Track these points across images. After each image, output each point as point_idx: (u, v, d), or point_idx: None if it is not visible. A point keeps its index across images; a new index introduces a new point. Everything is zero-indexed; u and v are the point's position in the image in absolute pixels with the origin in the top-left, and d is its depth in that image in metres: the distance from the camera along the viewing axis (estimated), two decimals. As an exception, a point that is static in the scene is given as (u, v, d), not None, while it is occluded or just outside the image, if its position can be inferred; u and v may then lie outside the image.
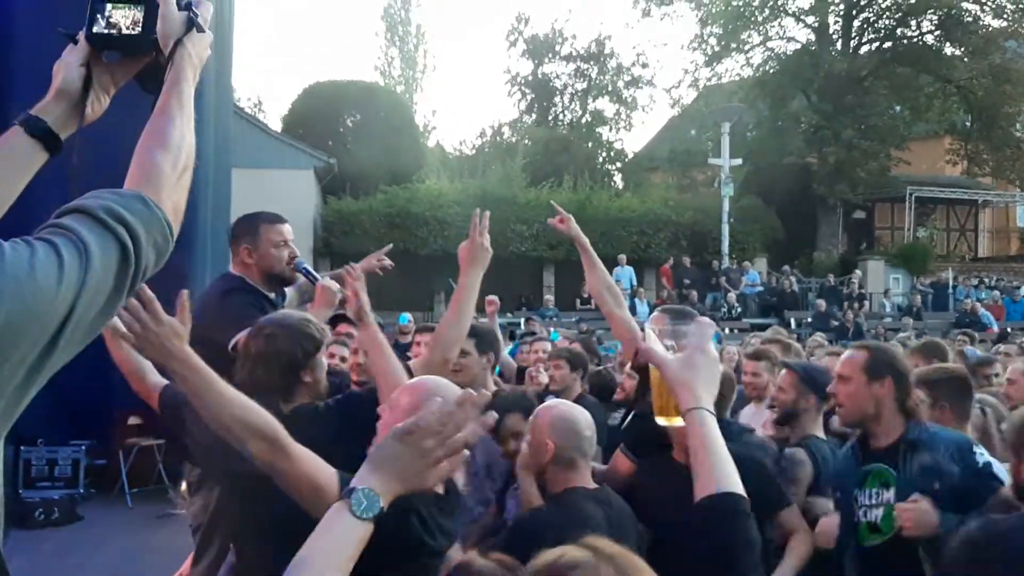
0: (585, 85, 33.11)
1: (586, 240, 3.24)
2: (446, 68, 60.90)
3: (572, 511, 2.33)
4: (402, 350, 5.18)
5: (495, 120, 52.87)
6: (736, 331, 16.82)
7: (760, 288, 20.68)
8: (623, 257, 19.60)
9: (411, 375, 2.43)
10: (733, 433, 3.24)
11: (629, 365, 3.67)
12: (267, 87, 70.82)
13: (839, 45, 25.54)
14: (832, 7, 25.43)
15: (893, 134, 24.35)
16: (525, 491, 2.64)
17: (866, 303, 20.71)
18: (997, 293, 21.01)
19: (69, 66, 1.37)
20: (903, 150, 24.90)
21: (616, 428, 3.58)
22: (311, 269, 3.47)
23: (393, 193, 20.65)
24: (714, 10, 25.67)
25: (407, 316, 9.99)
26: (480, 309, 3.65)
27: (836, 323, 17.78)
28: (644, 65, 32.46)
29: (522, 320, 15.50)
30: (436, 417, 1.29)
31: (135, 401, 2.71)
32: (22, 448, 7.28)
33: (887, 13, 25.36)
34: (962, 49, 24.47)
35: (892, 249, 25.10)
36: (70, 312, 1.01)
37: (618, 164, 32.49)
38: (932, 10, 24.09)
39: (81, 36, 1.38)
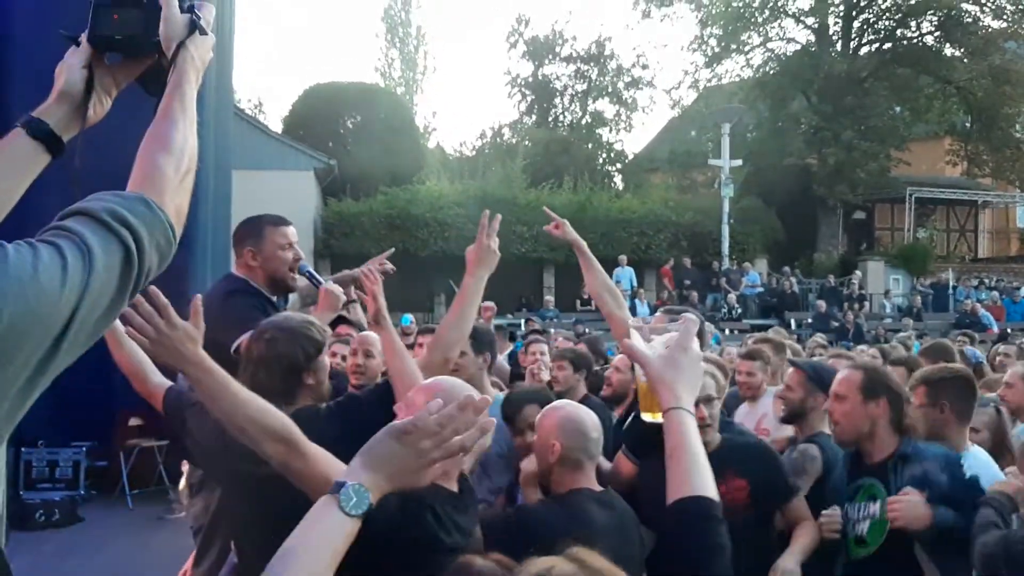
0: (585, 86, 33.13)
1: (583, 243, 3.25)
2: (446, 69, 61.00)
3: (576, 512, 2.33)
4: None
5: (495, 121, 52.87)
6: (736, 332, 16.82)
7: (760, 289, 20.69)
8: (623, 258, 19.61)
9: None
10: (734, 432, 3.25)
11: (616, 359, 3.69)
12: (267, 88, 70.94)
13: (839, 46, 25.55)
14: (832, 8, 25.45)
15: (893, 135, 24.36)
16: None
17: (866, 304, 20.72)
18: (997, 294, 21.01)
19: (71, 68, 1.37)
20: (903, 151, 24.91)
21: (616, 427, 3.58)
22: (315, 272, 3.46)
23: (393, 194, 20.65)
24: (714, 11, 25.68)
25: (409, 317, 10.00)
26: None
27: (836, 324, 17.79)
28: (644, 66, 32.56)
29: (522, 321, 15.49)
30: (435, 419, 1.29)
31: (136, 402, 2.71)
32: (23, 450, 7.28)
33: (887, 14, 25.38)
34: (962, 50, 24.48)
35: (892, 250, 25.10)
36: (73, 314, 1.01)
37: (618, 165, 32.51)
38: (932, 11, 24.11)
39: (83, 38, 1.38)
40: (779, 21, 26.05)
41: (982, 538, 2.42)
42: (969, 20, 24.33)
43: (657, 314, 3.26)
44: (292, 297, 3.56)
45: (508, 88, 33.59)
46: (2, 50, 6.35)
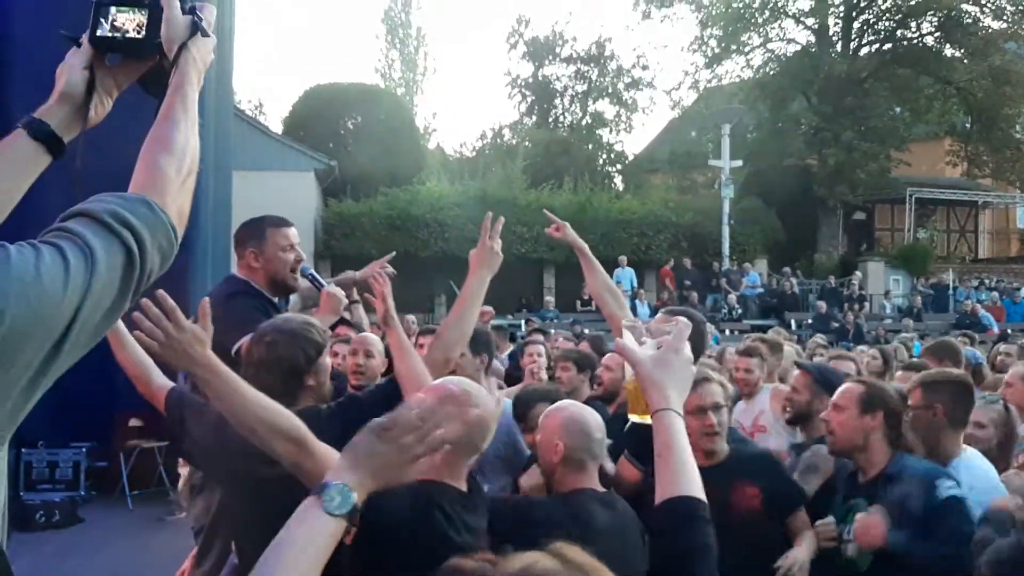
0: (585, 87, 33.15)
1: (584, 245, 3.26)
2: (446, 70, 61.18)
3: (579, 511, 2.34)
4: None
5: (495, 122, 52.92)
6: (736, 332, 16.81)
7: (760, 289, 20.69)
8: (624, 259, 19.60)
9: None
10: (736, 439, 3.25)
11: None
12: (268, 89, 70.98)
13: (839, 47, 25.56)
14: (832, 9, 25.45)
15: (893, 136, 24.36)
16: None
17: (866, 304, 20.72)
18: (997, 294, 21.01)
19: (72, 69, 1.36)
20: (903, 151, 24.91)
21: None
22: (317, 275, 3.46)
23: (393, 195, 20.65)
24: (714, 12, 25.68)
25: (411, 318, 10.03)
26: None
27: (836, 324, 17.78)
28: (644, 67, 32.56)
29: (522, 322, 15.50)
30: (416, 413, 1.30)
31: (136, 403, 2.72)
32: (23, 450, 7.27)
33: (887, 15, 25.38)
34: (962, 51, 24.48)
35: (892, 250, 25.10)
36: (75, 316, 1.01)
37: (618, 166, 32.54)
38: (932, 12, 24.11)
39: (84, 39, 1.38)
40: (779, 22, 26.06)
41: (993, 546, 2.42)
42: (969, 21, 24.34)
43: (658, 315, 3.26)
44: (293, 299, 3.56)
45: (508, 89, 33.67)
46: (2, 50, 6.34)
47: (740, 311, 19.15)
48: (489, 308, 6.02)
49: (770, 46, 26.51)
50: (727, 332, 16.77)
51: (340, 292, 3.24)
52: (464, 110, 66.63)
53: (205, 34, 1.40)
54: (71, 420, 7.13)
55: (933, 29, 24.97)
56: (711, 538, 1.35)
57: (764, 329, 11.35)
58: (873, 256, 24.32)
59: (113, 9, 1.37)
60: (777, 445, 4.36)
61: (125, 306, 1.11)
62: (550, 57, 32.83)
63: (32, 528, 6.87)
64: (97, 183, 1.23)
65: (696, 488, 1.36)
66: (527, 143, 29.24)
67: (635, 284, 19.50)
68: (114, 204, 1.11)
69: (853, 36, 25.56)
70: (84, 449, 7.51)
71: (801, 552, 2.78)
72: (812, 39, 25.90)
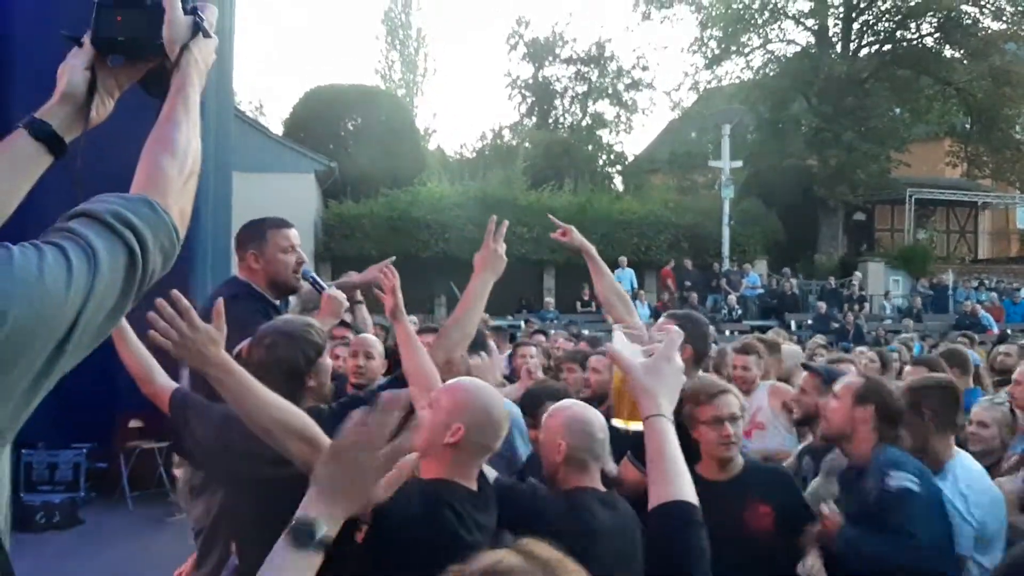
0: (585, 88, 33.16)
1: (591, 248, 3.25)
2: (446, 71, 61.02)
3: (580, 510, 2.35)
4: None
5: (495, 123, 53.01)
6: (737, 333, 16.80)
7: (761, 290, 20.69)
8: (624, 259, 19.60)
9: None
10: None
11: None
12: (268, 91, 71.02)
13: (839, 48, 25.57)
14: (832, 10, 25.47)
15: (893, 136, 24.38)
16: None
17: (866, 305, 20.71)
18: (996, 295, 21.00)
19: (74, 69, 1.36)
20: (903, 152, 24.93)
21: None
22: (318, 278, 3.45)
23: (394, 196, 20.65)
24: (714, 13, 25.70)
25: (413, 319, 10.01)
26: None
27: (836, 325, 17.77)
28: (644, 68, 32.59)
29: (522, 322, 15.50)
30: (363, 429, 1.24)
31: (136, 404, 2.72)
32: (23, 451, 7.26)
33: (887, 16, 25.40)
34: (962, 51, 24.50)
35: (892, 251, 25.11)
36: (78, 316, 1.01)
37: (618, 167, 32.57)
38: (932, 12, 24.13)
39: (86, 39, 1.38)
40: (779, 23, 26.07)
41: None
42: (969, 22, 24.35)
43: (662, 319, 3.27)
44: (292, 301, 3.55)
45: (508, 90, 33.75)
46: (3, 50, 6.34)
47: (740, 312, 19.16)
48: (485, 316, 6.02)
49: (770, 47, 26.55)
50: (727, 333, 16.76)
51: (341, 295, 3.24)
52: (464, 111, 66.81)
53: (207, 35, 1.40)
54: (71, 421, 7.12)
55: (933, 30, 24.98)
56: (705, 541, 1.36)
57: (764, 330, 11.36)
58: (873, 257, 24.33)
59: (115, 9, 1.36)
60: (776, 443, 4.39)
61: (128, 307, 1.11)
62: (550, 58, 32.86)
63: (32, 529, 6.87)
64: (98, 183, 1.22)
65: (689, 493, 1.37)
66: (527, 144, 29.27)
67: (635, 285, 19.49)
68: (116, 204, 1.11)
69: (853, 37, 25.58)
70: (84, 450, 7.50)
71: (817, 561, 2.79)
72: (812, 40, 25.92)
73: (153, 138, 1.28)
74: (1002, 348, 7.20)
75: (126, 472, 7.62)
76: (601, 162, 31.64)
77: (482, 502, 1.93)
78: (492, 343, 3.37)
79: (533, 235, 19.09)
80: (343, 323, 4.26)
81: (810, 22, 25.78)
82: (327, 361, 2.53)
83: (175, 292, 1.91)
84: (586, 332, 13.49)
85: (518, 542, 1.15)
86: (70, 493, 7.32)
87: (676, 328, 1.59)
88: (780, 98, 24.84)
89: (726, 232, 21.70)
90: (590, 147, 31.31)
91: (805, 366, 4.07)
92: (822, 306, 18.93)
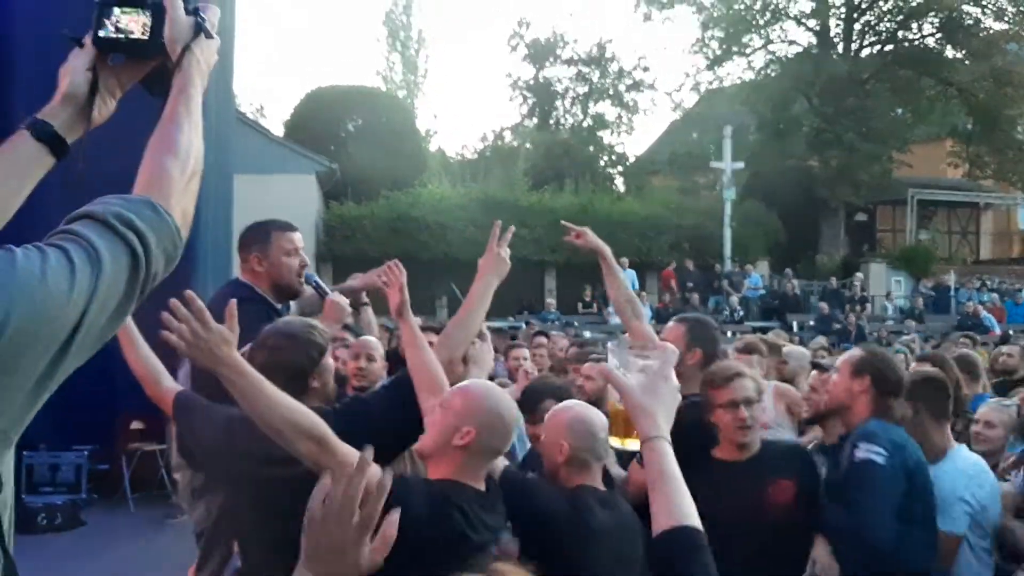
0: (586, 89, 33.11)
1: (607, 250, 3.25)
2: (447, 73, 61.07)
3: (580, 510, 2.35)
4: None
5: (496, 124, 52.95)
6: (738, 334, 16.78)
7: (762, 291, 20.68)
8: (625, 260, 19.56)
9: None
10: None
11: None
12: (269, 92, 70.95)
13: (840, 48, 25.57)
14: (833, 10, 25.47)
15: (895, 137, 24.37)
16: None
17: (868, 306, 20.70)
18: (998, 296, 20.99)
19: (75, 70, 1.35)
20: (905, 153, 24.91)
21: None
22: (321, 282, 3.45)
23: (395, 198, 20.66)
24: (715, 14, 25.70)
25: (416, 319, 10.00)
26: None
27: (838, 326, 17.76)
28: (645, 69, 32.48)
29: (523, 324, 15.49)
30: (329, 504, 1.14)
31: (138, 406, 2.72)
32: (25, 453, 7.26)
33: (888, 16, 25.40)
34: (963, 52, 24.50)
35: (894, 252, 25.09)
36: (81, 318, 1.01)
37: (620, 168, 32.50)
38: (933, 13, 24.13)
39: (87, 40, 1.37)
40: (780, 23, 26.07)
41: None
42: (970, 22, 24.34)
43: (670, 323, 3.27)
44: (292, 306, 3.55)
45: (509, 91, 33.67)
46: (4, 51, 6.34)
47: (742, 313, 19.14)
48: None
49: (771, 48, 26.54)
50: (729, 334, 16.74)
51: (344, 300, 3.24)
52: (465, 112, 66.79)
53: (209, 35, 1.39)
54: (73, 423, 7.12)
55: (934, 30, 24.99)
56: (713, 567, 1.34)
57: (766, 331, 11.35)
58: (875, 257, 24.32)
59: (116, 10, 1.36)
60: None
61: (131, 308, 1.11)
62: (551, 59, 32.82)
63: (34, 531, 6.86)
64: (100, 184, 1.22)
65: (693, 516, 1.35)
66: (528, 145, 29.28)
67: (636, 286, 19.48)
68: (119, 206, 1.11)
69: (854, 37, 25.58)
70: (86, 452, 7.50)
71: (824, 554, 2.80)
72: (813, 41, 25.91)
73: (155, 139, 1.28)
74: (1004, 349, 7.20)
75: (128, 474, 7.62)
76: (602, 163, 31.56)
77: (490, 502, 1.93)
78: (485, 329, 3.34)
79: (534, 236, 19.09)
80: (344, 325, 4.26)
81: (811, 23, 25.78)
82: (330, 362, 2.53)
83: (189, 292, 1.92)
84: (587, 334, 13.50)
85: (493, 565, 1.14)
86: (72, 495, 7.32)
87: (671, 346, 1.57)
88: (781, 99, 24.81)
89: (727, 233, 21.68)
90: (591, 148, 31.24)
91: (814, 364, 4.13)
92: (824, 307, 18.91)
